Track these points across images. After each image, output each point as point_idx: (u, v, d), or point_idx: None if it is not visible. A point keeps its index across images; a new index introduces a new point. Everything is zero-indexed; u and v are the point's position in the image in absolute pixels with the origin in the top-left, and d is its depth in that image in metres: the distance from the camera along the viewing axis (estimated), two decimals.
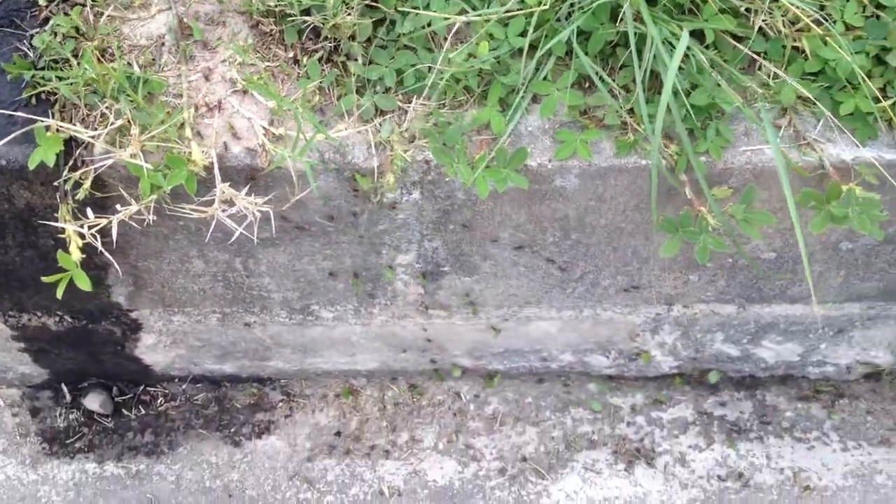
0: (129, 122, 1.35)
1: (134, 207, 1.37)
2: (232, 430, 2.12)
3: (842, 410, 2.14)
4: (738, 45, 1.41)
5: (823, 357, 2.07)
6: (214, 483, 2.03)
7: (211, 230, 1.49)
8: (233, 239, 1.41)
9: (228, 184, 1.37)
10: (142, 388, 2.14)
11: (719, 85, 1.38)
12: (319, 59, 1.44)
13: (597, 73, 1.36)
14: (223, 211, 1.38)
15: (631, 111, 1.43)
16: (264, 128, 1.39)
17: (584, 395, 2.18)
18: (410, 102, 1.44)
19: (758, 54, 1.43)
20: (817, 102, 1.43)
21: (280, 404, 2.15)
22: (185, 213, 1.38)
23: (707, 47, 1.39)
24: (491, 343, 2.01)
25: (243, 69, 1.44)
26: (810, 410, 2.15)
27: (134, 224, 1.42)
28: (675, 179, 1.41)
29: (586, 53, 1.37)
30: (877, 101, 1.38)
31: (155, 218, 1.39)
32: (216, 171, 1.35)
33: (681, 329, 1.94)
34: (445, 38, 1.40)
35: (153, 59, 1.45)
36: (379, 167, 1.43)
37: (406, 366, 2.13)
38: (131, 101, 1.35)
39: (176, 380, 2.14)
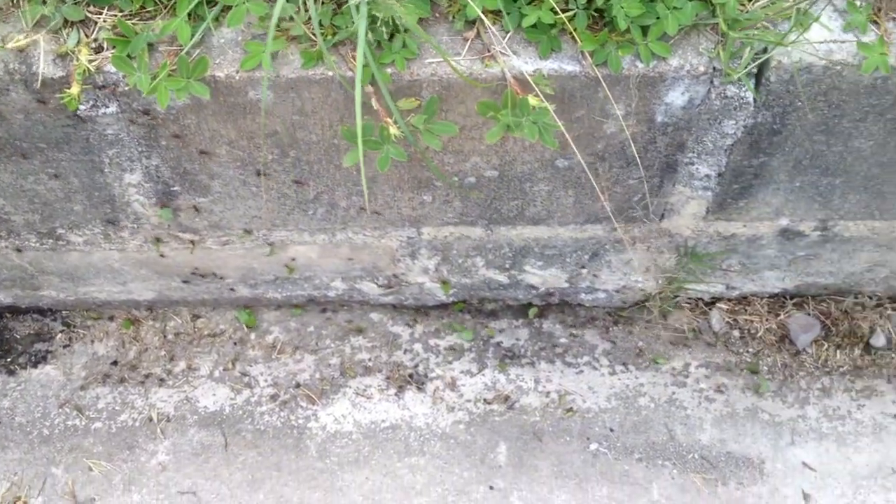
0: None
1: None
2: (8, 359, 2.12)
3: (614, 336, 2.20)
4: None
5: (591, 283, 2.12)
6: None
7: None
8: None
9: None
10: None
11: None
12: None
13: None
14: None
15: (320, 22, 1.44)
16: None
17: (365, 324, 2.21)
18: (101, 13, 1.44)
19: None
20: (506, 16, 1.46)
21: (60, 335, 2.16)
22: None
23: None
24: (260, 269, 2.02)
25: None
26: (584, 336, 2.20)
27: None
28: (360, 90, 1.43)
29: None
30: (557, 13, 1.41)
31: None
32: None
33: (439, 253, 1.97)
34: None
35: None
36: (66, 77, 1.42)
37: (185, 295, 2.14)
38: None
39: None
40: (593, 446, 2.03)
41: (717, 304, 2.21)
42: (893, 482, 1.98)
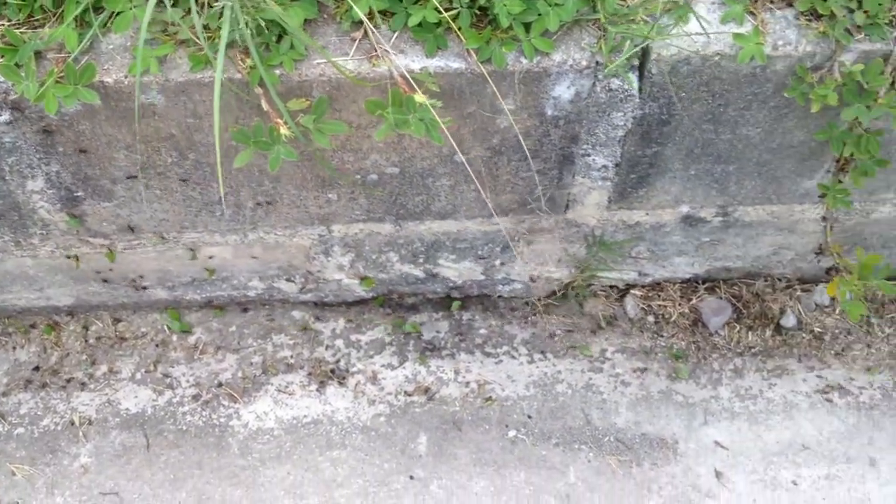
0: None
1: None
2: None
3: (533, 326, 2.25)
4: None
5: (507, 274, 2.16)
6: None
7: None
8: None
9: None
10: None
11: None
12: None
13: None
14: None
15: (206, 26, 1.46)
16: None
17: (286, 322, 2.24)
18: None
19: None
20: (392, 16, 1.49)
21: None
22: None
23: None
24: (176, 272, 2.04)
25: None
26: (503, 327, 2.25)
27: None
28: (250, 93, 1.45)
29: None
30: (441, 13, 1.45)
31: None
32: None
33: (352, 250, 2.00)
34: None
35: None
36: None
37: (104, 300, 2.15)
38: None
39: None
40: (512, 433, 2.07)
41: (632, 291, 2.26)
42: (803, 458, 2.04)
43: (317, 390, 2.13)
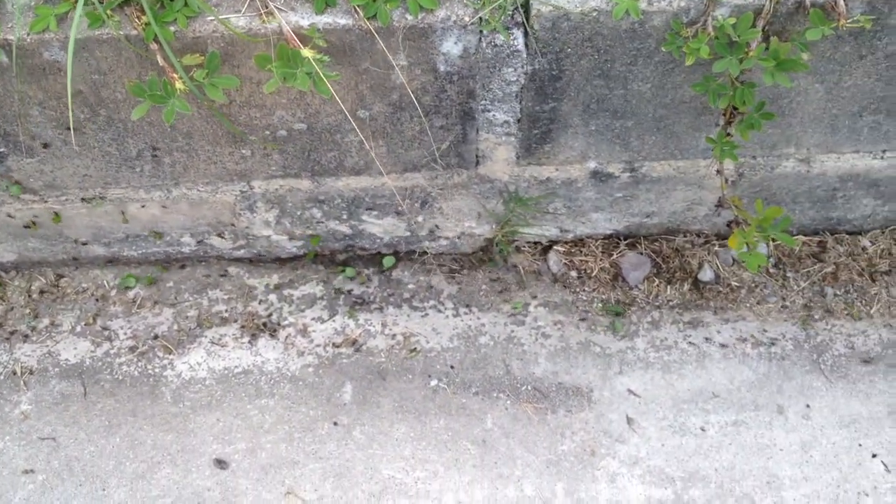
0: None
1: None
2: None
3: (460, 281, 2.33)
4: None
5: (431, 231, 2.24)
6: None
7: None
8: None
9: None
10: None
11: None
12: None
13: None
14: None
15: None
16: None
17: (222, 278, 2.33)
18: None
19: None
20: None
21: None
22: None
23: None
24: (109, 228, 2.13)
25: None
26: (431, 282, 2.33)
27: None
28: (144, 48, 1.53)
29: None
30: None
31: None
32: None
33: (276, 206, 2.08)
34: None
35: None
36: None
37: (45, 256, 2.25)
38: None
39: None
40: (433, 383, 2.16)
41: (555, 247, 2.34)
42: (713, 405, 2.12)
43: (248, 342, 2.22)
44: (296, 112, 1.76)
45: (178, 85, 1.55)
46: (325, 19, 1.57)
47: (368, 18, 1.57)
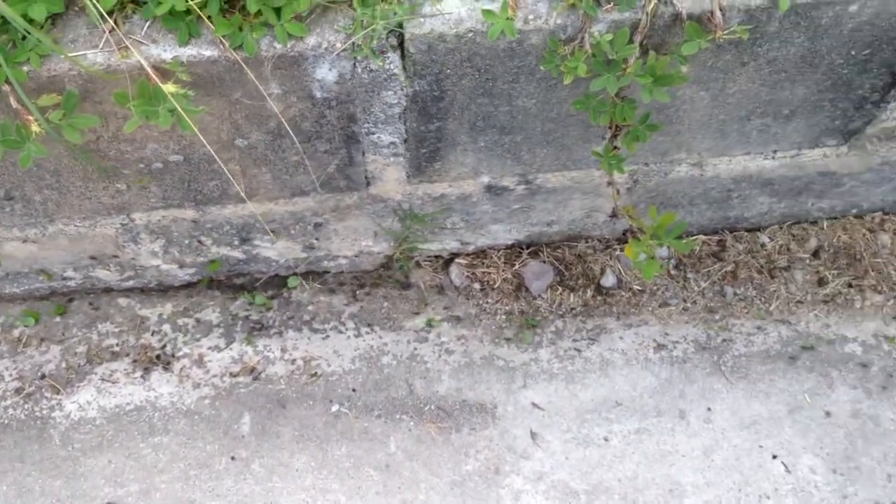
0: None
1: None
2: None
3: (361, 300, 2.28)
4: None
5: (328, 251, 2.18)
6: None
7: None
8: None
9: None
10: None
11: None
12: None
13: None
14: None
15: None
16: None
17: (112, 310, 2.23)
18: None
19: None
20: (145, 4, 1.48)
21: None
22: None
23: None
24: None
25: None
26: (332, 302, 2.27)
27: None
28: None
29: None
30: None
31: None
32: None
33: (161, 237, 2.00)
34: None
35: None
36: None
37: None
38: None
39: None
40: (335, 408, 2.11)
41: (456, 260, 2.30)
42: (616, 414, 2.12)
43: (141, 377, 2.14)
44: (169, 144, 1.68)
45: (34, 128, 1.46)
46: (188, 51, 1.49)
47: (235, 49, 1.50)
